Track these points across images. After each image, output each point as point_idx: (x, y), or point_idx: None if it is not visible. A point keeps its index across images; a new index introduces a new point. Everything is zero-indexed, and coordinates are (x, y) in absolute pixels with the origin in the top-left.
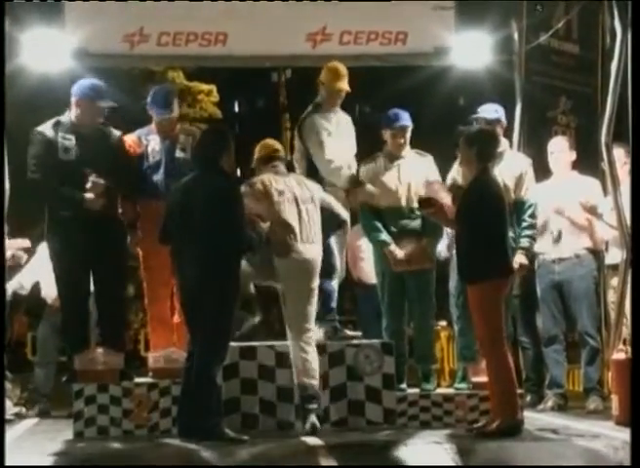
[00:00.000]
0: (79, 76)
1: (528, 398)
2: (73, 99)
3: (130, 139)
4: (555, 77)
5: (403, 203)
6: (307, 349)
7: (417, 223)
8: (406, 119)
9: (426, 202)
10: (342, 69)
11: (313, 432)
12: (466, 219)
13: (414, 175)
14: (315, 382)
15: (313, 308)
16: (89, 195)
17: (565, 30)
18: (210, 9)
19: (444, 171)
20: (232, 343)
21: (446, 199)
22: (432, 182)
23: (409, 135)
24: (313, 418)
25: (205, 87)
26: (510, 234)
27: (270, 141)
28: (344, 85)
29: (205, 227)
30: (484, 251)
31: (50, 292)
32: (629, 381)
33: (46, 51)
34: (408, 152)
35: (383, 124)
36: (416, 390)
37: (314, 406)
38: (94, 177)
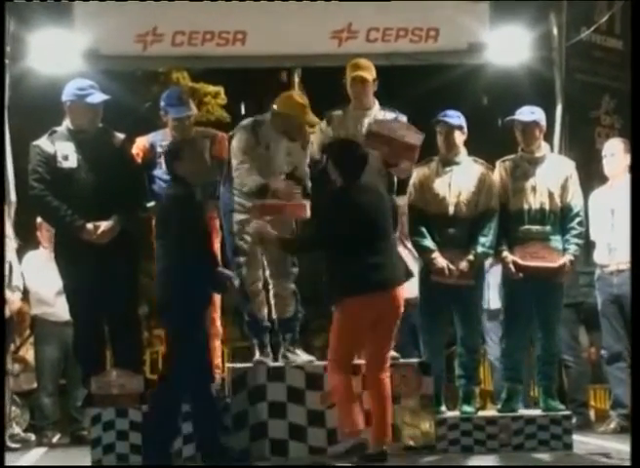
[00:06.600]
0: (90, 79)
1: (574, 420)
2: (65, 105)
3: (141, 144)
4: (598, 74)
5: (451, 211)
6: None
7: (464, 234)
8: (452, 118)
9: (374, 136)
10: None
11: None
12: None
13: (465, 182)
14: None
15: None
16: (89, 226)
17: (608, 25)
18: (227, 6)
19: None
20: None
21: (408, 138)
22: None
23: (460, 136)
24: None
25: (212, 88)
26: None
27: None
28: None
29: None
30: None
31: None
32: None
33: (54, 52)
34: (464, 158)
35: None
36: (455, 413)
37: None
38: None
